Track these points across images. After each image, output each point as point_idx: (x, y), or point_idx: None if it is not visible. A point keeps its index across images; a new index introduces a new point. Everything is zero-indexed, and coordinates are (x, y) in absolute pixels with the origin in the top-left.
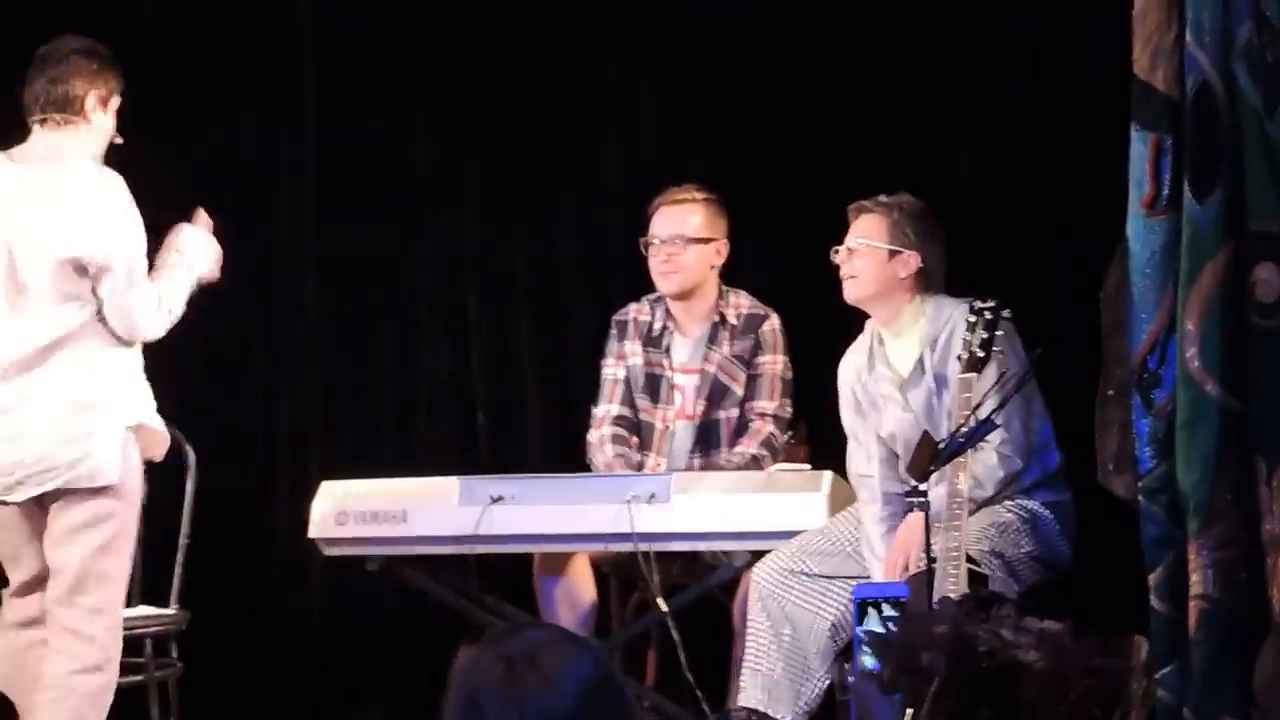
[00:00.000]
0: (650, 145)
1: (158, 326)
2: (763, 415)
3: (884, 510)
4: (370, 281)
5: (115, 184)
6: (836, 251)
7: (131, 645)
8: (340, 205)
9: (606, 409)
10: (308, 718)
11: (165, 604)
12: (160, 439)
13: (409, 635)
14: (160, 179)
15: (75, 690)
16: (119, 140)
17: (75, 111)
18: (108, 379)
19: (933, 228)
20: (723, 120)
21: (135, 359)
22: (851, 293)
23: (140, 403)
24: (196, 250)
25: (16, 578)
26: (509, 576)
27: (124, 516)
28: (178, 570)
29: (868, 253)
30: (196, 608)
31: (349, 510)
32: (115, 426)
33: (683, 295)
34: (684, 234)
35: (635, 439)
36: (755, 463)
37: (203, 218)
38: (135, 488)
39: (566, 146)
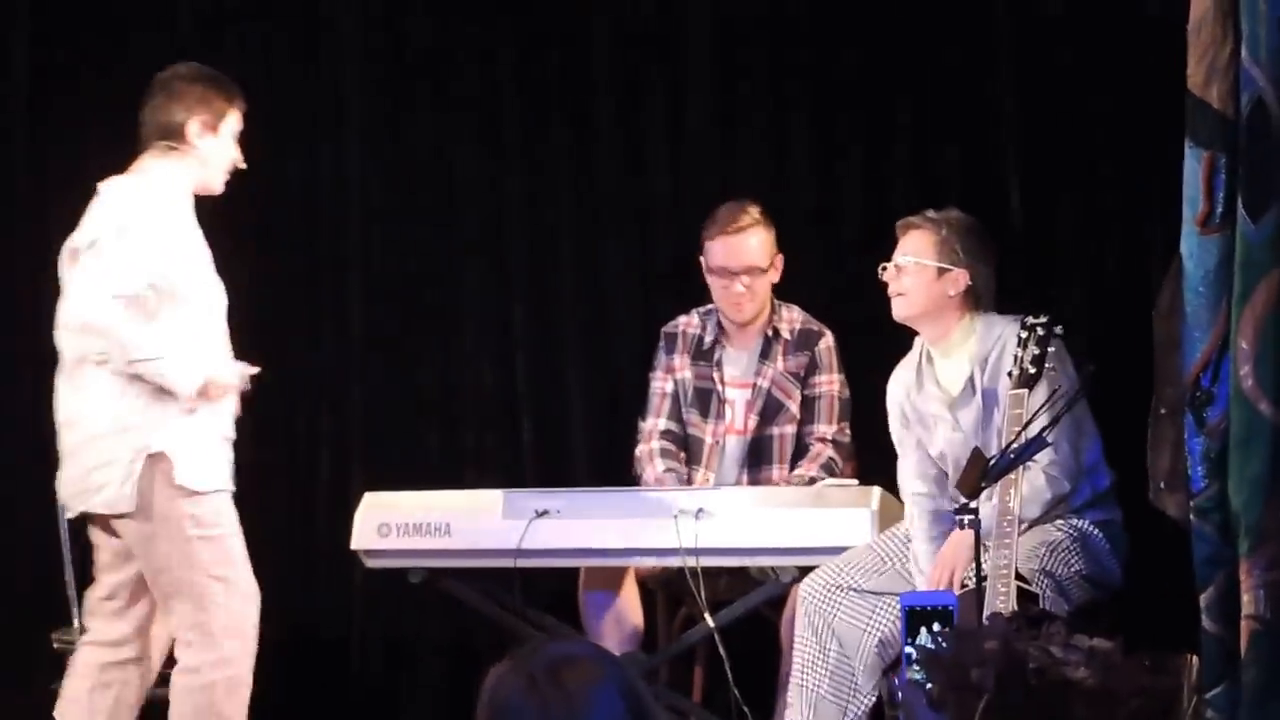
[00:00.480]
0: (695, 156)
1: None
2: (823, 439)
3: (934, 528)
4: (416, 294)
5: (148, 206)
6: (884, 268)
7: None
8: (385, 218)
9: (654, 423)
10: None
11: None
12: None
13: (451, 649)
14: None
15: (176, 686)
16: (240, 165)
17: (178, 139)
18: (123, 405)
19: (982, 244)
20: (770, 131)
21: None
22: (900, 311)
23: (161, 429)
24: (182, 380)
25: (105, 585)
26: (554, 591)
27: (167, 537)
28: None
29: (916, 270)
30: None
31: (392, 522)
32: (127, 455)
33: (752, 320)
34: (756, 264)
35: (683, 453)
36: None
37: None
38: (167, 512)
39: (611, 159)
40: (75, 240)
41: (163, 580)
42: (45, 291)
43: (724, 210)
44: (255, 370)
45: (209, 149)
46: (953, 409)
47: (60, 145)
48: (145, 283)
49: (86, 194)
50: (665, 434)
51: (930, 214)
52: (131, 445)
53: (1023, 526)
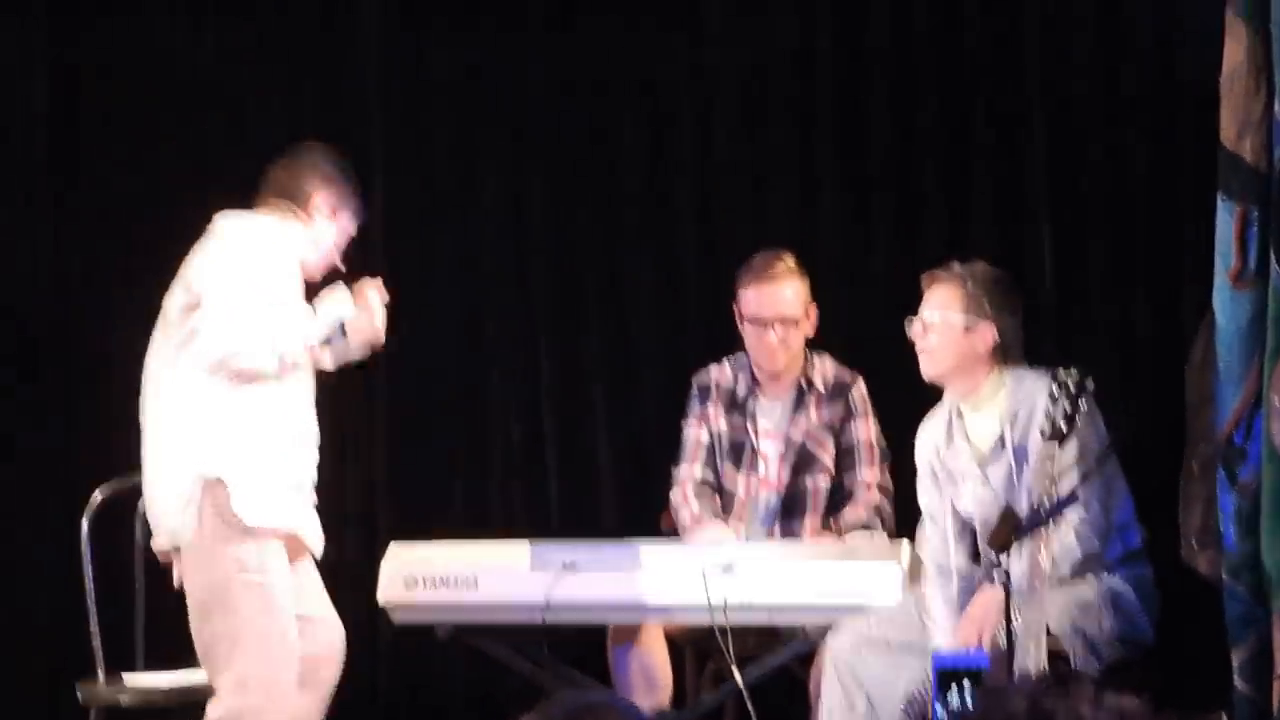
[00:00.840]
0: (724, 206)
1: (257, 360)
2: (869, 486)
3: (958, 584)
4: (441, 343)
5: (247, 228)
6: (910, 323)
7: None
8: (411, 265)
9: (689, 469)
10: None
11: None
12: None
13: (479, 704)
14: None
15: None
16: (339, 265)
17: (299, 203)
18: (183, 425)
19: (1009, 296)
20: (800, 180)
21: (231, 405)
22: (928, 369)
23: (222, 454)
24: (331, 316)
25: None
26: (582, 644)
27: (210, 579)
28: None
29: (943, 327)
30: None
31: (418, 574)
32: (182, 480)
33: (786, 371)
34: (792, 315)
35: (718, 499)
36: (866, 531)
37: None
38: (212, 547)
39: (640, 208)
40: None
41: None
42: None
43: (759, 258)
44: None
45: (321, 228)
46: (983, 465)
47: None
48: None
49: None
50: (701, 482)
51: (955, 267)
52: (186, 470)
53: (1053, 583)
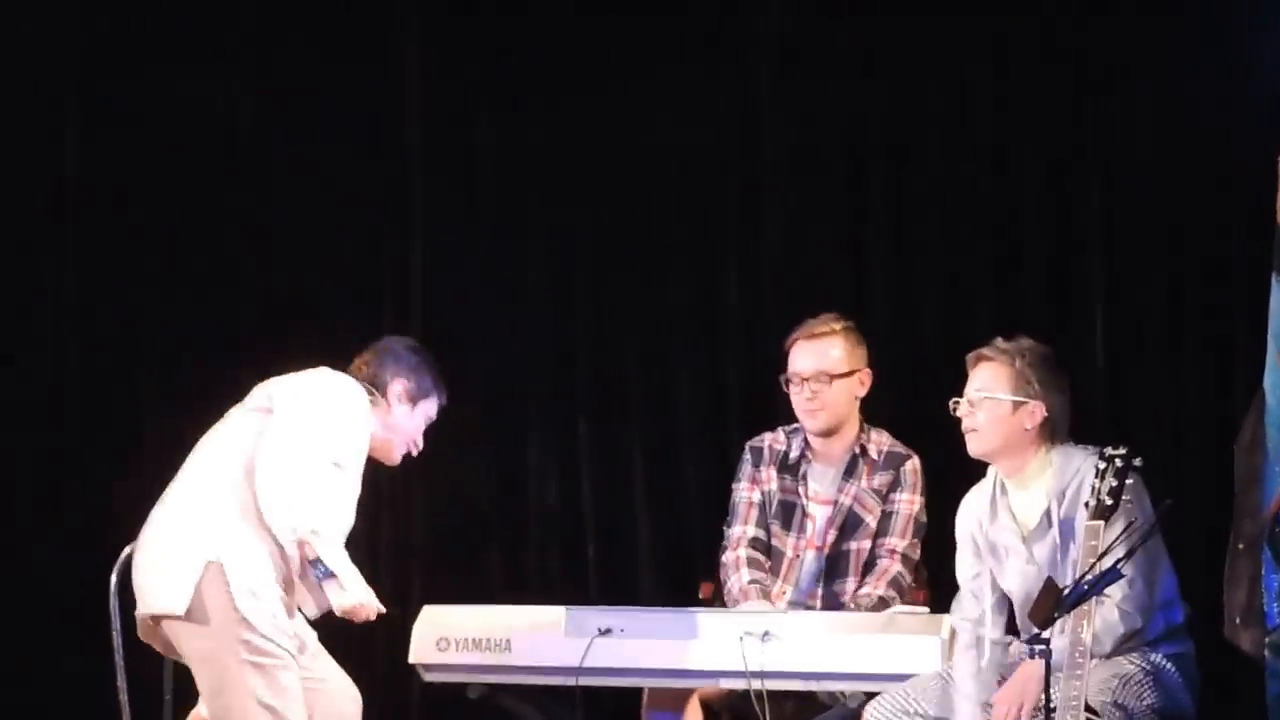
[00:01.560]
0: (768, 274)
1: (287, 521)
2: (893, 553)
3: (990, 656)
4: (480, 405)
5: (337, 387)
6: (956, 404)
7: None
8: (445, 324)
9: (741, 530)
10: None
11: None
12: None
13: None
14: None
15: None
16: (417, 448)
17: (380, 391)
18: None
19: (1057, 374)
20: (845, 250)
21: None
22: (976, 447)
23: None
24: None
25: None
26: (617, 710)
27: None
28: None
29: (991, 405)
30: None
31: (450, 637)
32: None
33: (828, 431)
34: (828, 370)
35: (769, 562)
36: (883, 604)
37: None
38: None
39: (686, 273)
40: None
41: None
42: None
43: (810, 320)
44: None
45: (399, 415)
46: (1027, 542)
47: None
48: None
49: None
50: (753, 541)
51: (1001, 344)
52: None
53: (1093, 661)
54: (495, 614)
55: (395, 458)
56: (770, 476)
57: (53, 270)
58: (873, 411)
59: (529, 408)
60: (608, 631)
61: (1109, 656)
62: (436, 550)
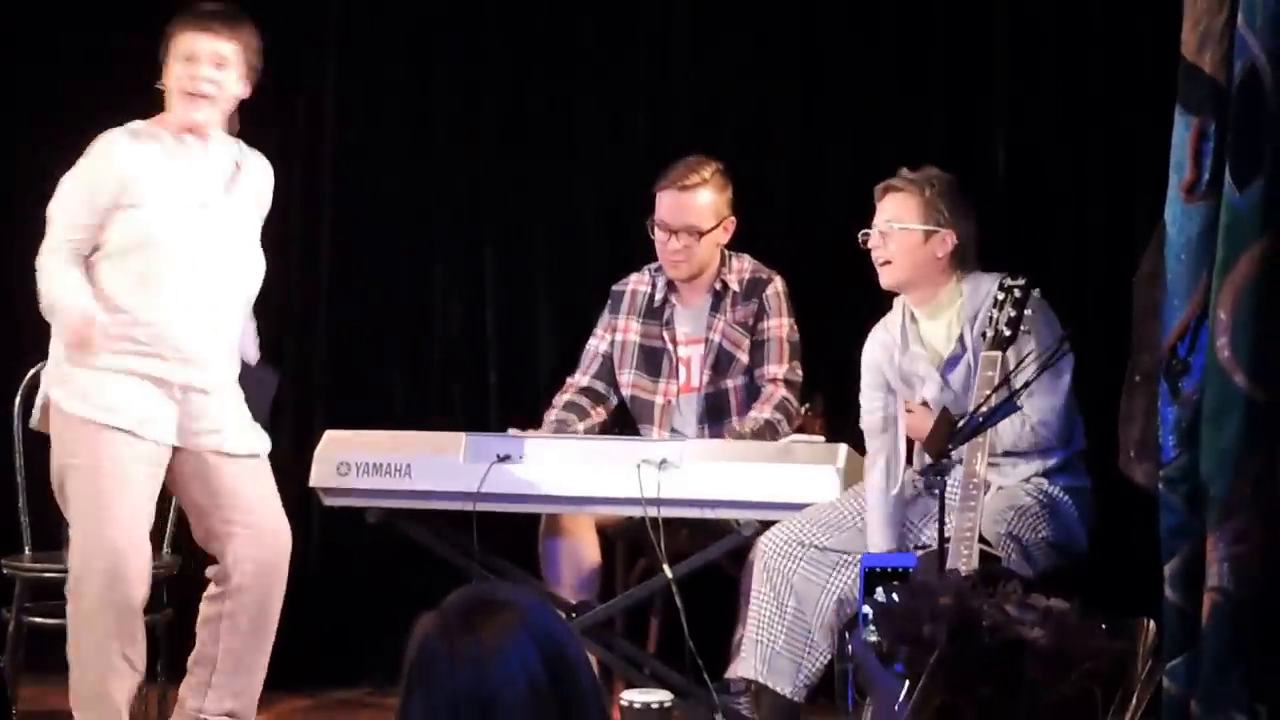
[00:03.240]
0: (675, 100)
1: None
2: (774, 380)
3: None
4: (387, 234)
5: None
6: (866, 236)
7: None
8: (357, 152)
9: (578, 379)
10: (301, 668)
11: (157, 550)
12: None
13: (406, 591)
14: None
15: None
16: (193, 86)
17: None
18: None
19: (965, 201)
20: (751, 87)
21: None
22: (888, 279)
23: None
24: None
25: None
26: (512, 536)
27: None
28: (171, 516)
29: (902, 235)
30: (188, 553)
31: (351, 460)
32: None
33: (691, 278)
34: (697, 225)
35: (599, 410)
36: (770, 427)
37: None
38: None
39: (589, 100)
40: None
41: None
42: None
43: (677, 165)
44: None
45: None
46: (941, 369)
47: None
48: None
49: None
50: (584, 389)
51: (909, 174)
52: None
53: (989, 488)
54: (395, 439)
55: (192, 114)
56: (629, 325)
57: None
58: (767, 243)
59: (434, 235)
60: (506, 458)
61: (1010, 469)
62: (340, 378)
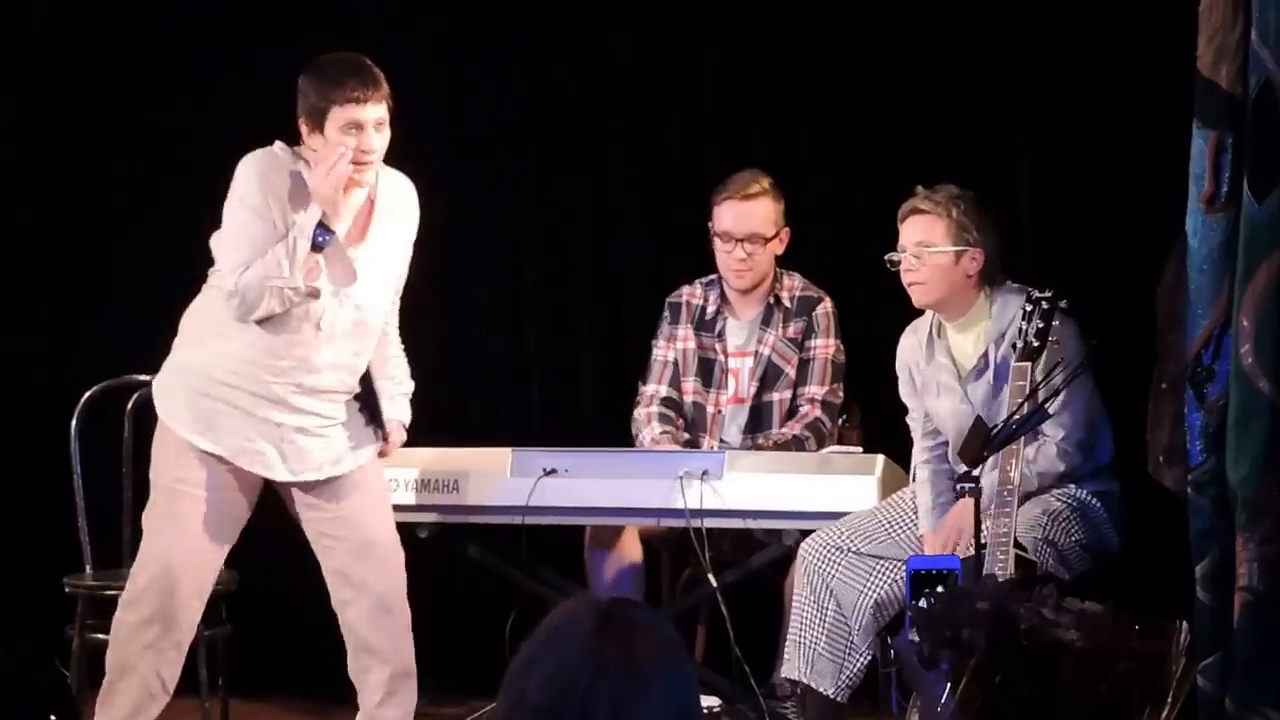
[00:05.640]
0: (711, 125)
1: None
2: (812, 401)
3: (939, 485)
4: (429, 252)
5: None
6: (895, 260)
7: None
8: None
9: (655, 389)
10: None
11: None
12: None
13: (457, 604)
14: None
15: None
16: (348, 163)
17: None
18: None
19: (990, 216)
20: (783, 101)
21: (217, 338)
22: (922, 299)
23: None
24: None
25: None
26: (559, 549)
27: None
28: None
29: (933, 257)
30: (246, 569)
31: (400, 478)
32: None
33: (751, 289)
34: (761, 233)
35: (681, 420)
36: (796, 443)
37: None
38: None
39: (628, 125)
40: None
41: None
42: None
43: (736, 177)
44: None
45: (318, 145)
46: (963, 382)
47: None
48: None
49: None
50: (664, 400)
51: (932, 195)
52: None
53: (1022, 495)
54: (444, 456)
55: (329, 187)
56: (687, 334)
57: None
58: (803, 253)
59: (477, 256)
60: (552, 472)
61: (1040, 491)
62: None
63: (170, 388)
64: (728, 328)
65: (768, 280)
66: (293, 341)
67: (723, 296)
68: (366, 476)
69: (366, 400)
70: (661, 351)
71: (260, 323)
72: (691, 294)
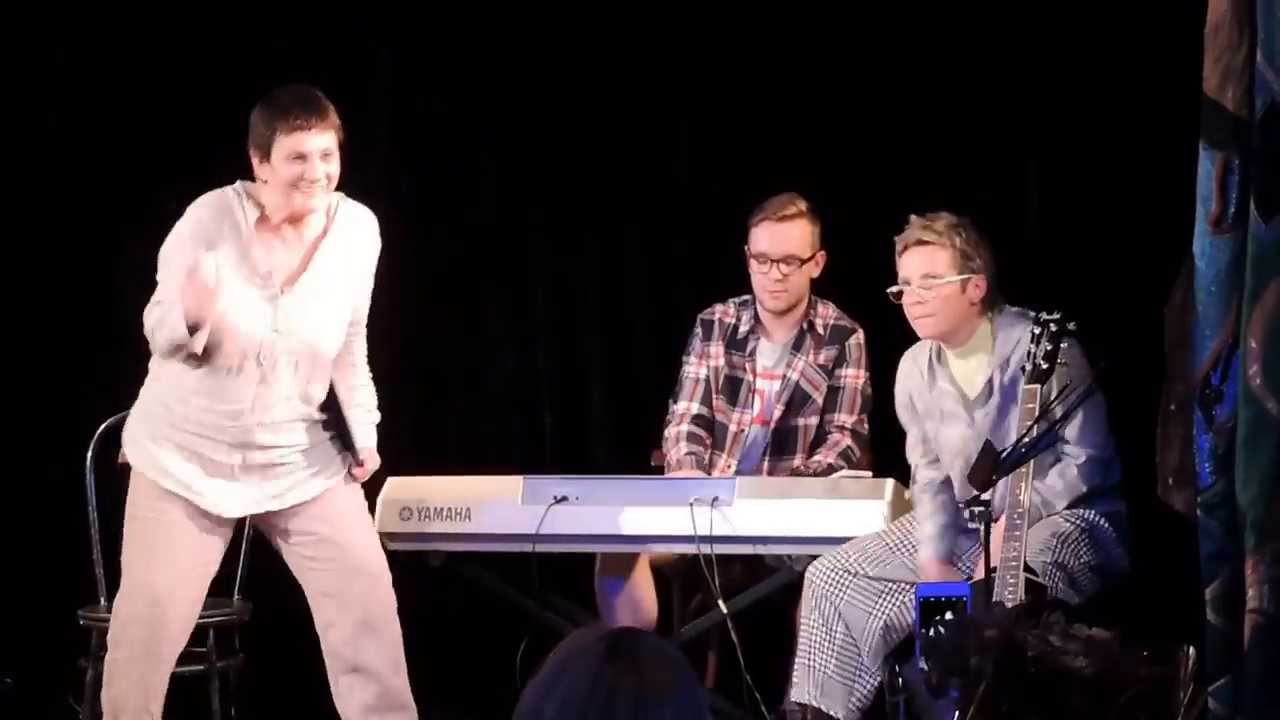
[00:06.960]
0: (719, 145)
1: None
2: (841, 429)
3: (935, 502)
4: (439, 279)
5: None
6: (899, 295)
7: (195, 636)
8: (409, 200)
9: (686, 406)
10: None
11: (228, 596)
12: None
13: (469, 632)
14: None
15: None
16: (307, 185)
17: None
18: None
19: (986, 240)
20: (790, 125)
21: (167, 378)
22: (931, 331)
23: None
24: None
25: None
26: (570, 576)
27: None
28: (241, 562)
29: (940, 288)
30: (259, 599)
31: (413, 506)
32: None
33: (786, 310)
34: (797, 254)
35: (710, 438)
36: (831, 471)
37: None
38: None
39: (637, 146)
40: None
41: None
42: None
43: (774, 199)
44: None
45: (266, 174)
46: (969, 408)
47: None
48: None
49: None
50: (696, 418)
51: (932, 225)
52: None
53: (1031, 518)
54: (455, 484)
55: (294, 206)
56: (718, 352)
57: None
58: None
59: (485, 279)
60: (563, 499)
61: (1057, 513)
62: (398, 422)
63: (134, 429)
64: (759, 349)
65: (802, 304)
66: (241, 381)
67: (756, 317)
68: (340, 499)
69: (338, 428)
70: (693, 368)
71: (202, 359)
72: (725, 312)
